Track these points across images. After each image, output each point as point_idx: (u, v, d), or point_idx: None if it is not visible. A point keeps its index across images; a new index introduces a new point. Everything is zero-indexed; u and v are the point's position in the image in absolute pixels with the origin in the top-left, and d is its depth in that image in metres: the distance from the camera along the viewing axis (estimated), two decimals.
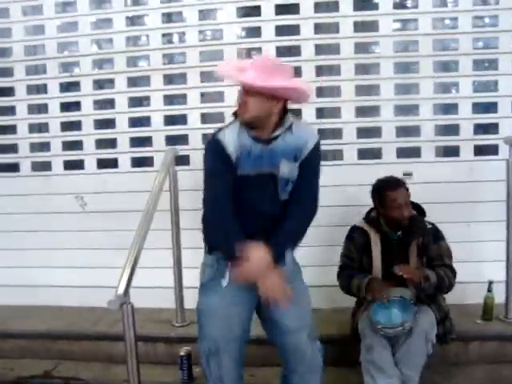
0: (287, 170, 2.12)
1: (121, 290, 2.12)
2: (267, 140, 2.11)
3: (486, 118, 3.46)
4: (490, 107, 3.46)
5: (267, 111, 2.06)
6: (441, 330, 2.65)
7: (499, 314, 3.11)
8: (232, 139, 2.10)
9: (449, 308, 2.78)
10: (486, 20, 3.44)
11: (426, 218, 2.83)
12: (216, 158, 2.12)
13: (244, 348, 2.24)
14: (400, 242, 2.75)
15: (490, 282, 3.10)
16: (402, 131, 3.50)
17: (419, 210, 2.84)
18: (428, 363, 2.58)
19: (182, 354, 2.86)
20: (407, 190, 2.74)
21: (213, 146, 2.14)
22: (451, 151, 3.50)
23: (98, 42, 3.67)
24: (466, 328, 2.97)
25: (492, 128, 3.46)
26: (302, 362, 2.21)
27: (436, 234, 2.77)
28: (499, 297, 3.11)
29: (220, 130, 2.17)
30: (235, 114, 2.14)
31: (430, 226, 2.79)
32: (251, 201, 2.12)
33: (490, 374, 2.82)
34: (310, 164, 2.17)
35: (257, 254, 1.96)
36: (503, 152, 3.22)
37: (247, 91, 2.05)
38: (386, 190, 2.71)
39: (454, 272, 2.69)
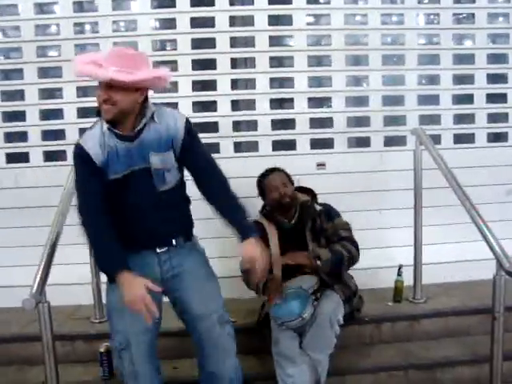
0: (159, 160, 2.08)
1: (36, 289, 2.06)
2: (132, 136, 2.07)
3: (394, 111, 3.63)
4: (399, 100, 3.63)
5: (133, 103, 2.02)
6: (347, 308, 2.68)
7: (408, 296, 3.27)
8: (96, 143, 2.07)
9: (357, 286, 2.85)
10: (394, 18, 3.61)
11: (333, 204, 2.89)
12: (82, 165, 2.10)
13: (155, 340, 2.22)
14: (295, 231, 2.79)
15: (400, 266, 3.24)
16: (316, 123, 3.60)
17: (311, 193, 2.90)
18: (344, 344, 2.69)
19: (101, 350, 2.78)
20: (284, 172, 2.84)
21: (77, 152, 2.10)
22: (363, 142, 3.65)
23: (3, 29, 3.49)
24: (378, 311, 3.11)
25: (400, 120, 3.64)
26: (216, 346, 2.19)
27: (329, 213, 2.82)
28: (408, 280, 3.26)
29: (84, 134, 2.13)
30: (99, 113, 2.06)
31: (319, 208, 2.83)
32: (131, 199, 2.10)
33: (400, 351, 2.97)
34: (192, 143, 2.14)
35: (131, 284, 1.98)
36: (411, 143, 3.37)
37: (109, 86, 1.96)
38: (262, 179, 2.86)
39: (354, 243, 2.73)
